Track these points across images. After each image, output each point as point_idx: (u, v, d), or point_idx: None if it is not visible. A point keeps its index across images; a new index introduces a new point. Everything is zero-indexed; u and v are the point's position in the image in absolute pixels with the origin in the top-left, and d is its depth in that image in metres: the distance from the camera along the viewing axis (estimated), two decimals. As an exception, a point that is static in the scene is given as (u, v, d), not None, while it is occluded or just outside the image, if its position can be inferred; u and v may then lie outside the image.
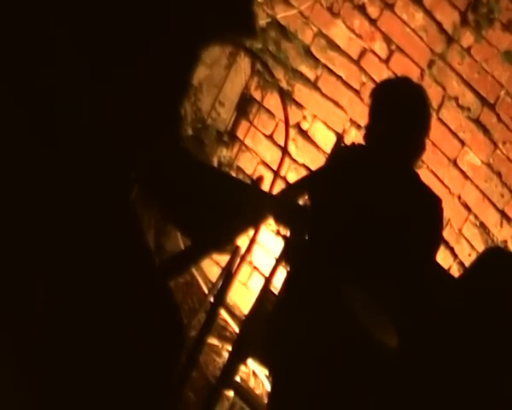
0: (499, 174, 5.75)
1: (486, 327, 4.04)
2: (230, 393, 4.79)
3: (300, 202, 4.54)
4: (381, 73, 5.53)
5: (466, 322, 4.11)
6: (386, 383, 4.05)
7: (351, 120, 5.63)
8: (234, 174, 5.60)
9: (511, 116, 5.84)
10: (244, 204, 3.79)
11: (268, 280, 4.65)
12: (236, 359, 4.55)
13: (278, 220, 4.00)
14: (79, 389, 3.05)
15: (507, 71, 5.84)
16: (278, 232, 4.58)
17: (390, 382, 4.05)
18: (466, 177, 5.85)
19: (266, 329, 4.48)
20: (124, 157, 3.32)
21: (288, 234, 4.47)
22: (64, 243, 3.07)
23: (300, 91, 5.87)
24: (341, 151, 4.86)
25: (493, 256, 4.46)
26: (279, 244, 4.64)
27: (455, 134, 5.88)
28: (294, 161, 5.44)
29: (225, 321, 5.10)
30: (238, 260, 4.65)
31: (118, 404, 3.09)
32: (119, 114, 3.15)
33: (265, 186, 4.04)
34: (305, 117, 5.82)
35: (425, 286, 4.42)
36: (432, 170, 5.61)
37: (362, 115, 4.85)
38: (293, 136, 5.54)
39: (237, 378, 4.82)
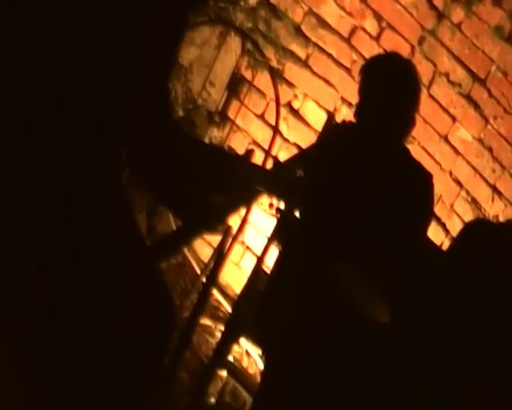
0: (490, 149, 5.79)
1: (476, 294, 4.12)
2: (223, 373, 4.85)
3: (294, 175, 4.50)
4: (372, 51, 5.53)
5: (455, 293, 4.18)
6: (377, 358, 4.11)
7: (342, 98, 5.65)
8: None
9: (502, 91, 5.88)
10: (235, 180, 3.76)
11: (260, 260, 4.68)
12: (229, 339, 4.56)
13: (271, 192, 3.97)
14: (71, 370, 3.09)
15: (497, 46, 5.87)
16: (271, 205, 4.54)
17: (381, 356, 4.11)
18: (457, 152, 5.88)
19: (259, 308, 4.50)
20: (114, 139, 3.35)
21: (282, 209, 4.49)
22: (56, 225, 3.10)
23: (291, 70, 5.88)
24: (333, 129, 4.88)
25: (479, 227, 4.55)
26: (271, 224, 4.65)
27: (446, 110, 5.91)
28: (286, 140, 5.46)
29: (218, 301, 5.12)
30: (230, 240, 4.68)
31: (111, 386, 3.09)
32: (110, 95, 3.16)
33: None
34: (296, 96, 5.83)
35: (417, 261, 4.46)
36: (423, 146, 5.65)
37: (353, 93, 4.84)
38: (285, 115, 5.58)
39: (230, 358, 4.89)
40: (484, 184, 5.71)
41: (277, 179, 3.95)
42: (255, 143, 5.58)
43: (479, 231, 4.46)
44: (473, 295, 4.14)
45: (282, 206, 4.43)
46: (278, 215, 4.54)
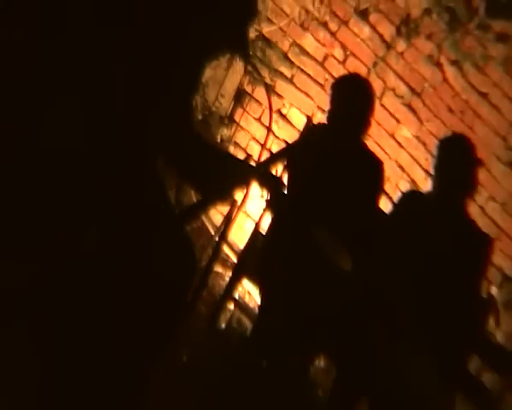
0: (424, 144, 5.76)
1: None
2: (231, 306, 4.85)
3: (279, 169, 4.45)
4: (339, 72, 5.47)
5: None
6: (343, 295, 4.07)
7: (317, 106, 5.58)
8: (232, 148, 5.57)
9: (432, 102, 5.85)
10: (239, 166, 3.76)
11: (258, 224, 4.62)
12: (235, 281, 4.53)
13: (261, 184, 3.93)
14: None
15: (429, 69, 5.87)
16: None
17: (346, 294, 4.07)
18: (401, 146, 5.84)
19: (257, 259, 4.43)
20: (153, 137, 3.27)
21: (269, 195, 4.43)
22: (111, 198, 3.03)
23: (280, 86, 5.80)
24: (311, 129, 4.80)
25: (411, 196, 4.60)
26: (265, 198, 4.58)
27: (392, 115, 5.85)
28: (276, 137, 5.37)
29: (227, 255, 5.04)
30: (236, 209, 4.62)
31: (151, 315, 3.01)
32: (150, 103, 3.07)
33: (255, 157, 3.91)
34: (284, 104, 5.76)
35: (371, 223, 4.41)
36: (376, 141, 5.57)
37: (325, 103, 4.75)
38: (276, 119, 5.49)
39: (236, 296, 4.86)
40: (420, 169, 5.67)
41: (264, 176, 3.90)
42: (254, 139, 5.50)
43: (411, 198, 4.57)
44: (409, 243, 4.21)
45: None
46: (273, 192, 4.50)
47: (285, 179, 4.48)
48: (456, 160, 4.38)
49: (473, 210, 5.33)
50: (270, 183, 3.94)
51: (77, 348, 2.96)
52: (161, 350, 3.27)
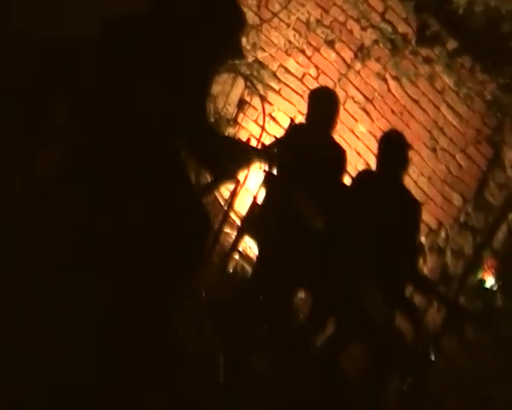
0: (375, 136, 5.71)
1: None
2: (236, 256, 4.86)
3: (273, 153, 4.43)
4: (314, 85, 5.44)
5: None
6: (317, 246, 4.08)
7: (298, 111, 5.56)
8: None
9: (380, 106, 5.86)
10: (241, 155, 3.66)
11: (255, 197, 4.61)
12: (239, 238, 4.55)
13: (260, 161, 3.91)
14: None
15: (377, 83, 5.86)
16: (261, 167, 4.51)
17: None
18: (358, 138, 5.83)
19: (255, 222, 4.46)
20: (178, 132, 3.28)
21: (266, 169, 4.44)
22: (146, 180, 3.05)
23: (271, 96, 5.78)
24: (293, 127, 4.81)
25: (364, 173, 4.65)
26: (261, 177, 4.57)
27: (352, 116, 5.84)
28: (268, 133, 5.30)
29: (233, 220, 5.03)
30: (239, 187, 4.63)
31: (180, 261, 3.12)
32: (178, 111, 3.10)
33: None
34: (273, 110, 5.73)
35: (338, 191, 4.49)
36: (340, 135, 5.54)
37: (304, 108, 4.76)
38: (268, 120, 5.47)
39: (240, 249, 4.89)
40: (372, 155, 5.60)
41: (263, 155, 3.89)
42: (252, 135, 5.34)
43: (364, 174, 4.60)
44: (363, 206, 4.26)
45: (266, 168, 4.39)
46: (265, 173, 4.49)
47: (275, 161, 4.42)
48: (393, 148, 4.39)
49: (408, 183, 5.47)
50: (267, 160, 3.97)
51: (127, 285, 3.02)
52: (186, 287, 3.32)
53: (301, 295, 4.73)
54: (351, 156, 5.31)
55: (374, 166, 4.87)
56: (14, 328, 2.69)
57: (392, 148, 4.40)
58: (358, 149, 5.81)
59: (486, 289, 5.10)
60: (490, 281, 5.13)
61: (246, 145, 3.66)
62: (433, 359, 4.00)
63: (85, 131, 3.12)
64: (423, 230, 5.72)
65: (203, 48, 3.25)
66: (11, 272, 2.84)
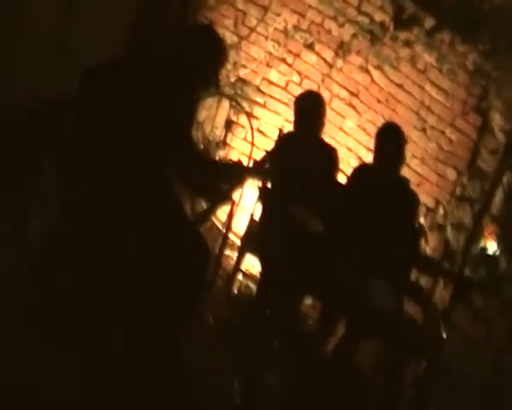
0: (364, 129, 5.76)
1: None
2: (240, 276, 4.87)
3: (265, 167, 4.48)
4: (298, 91, 5.34)
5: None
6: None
7: (286, 119, 5.55)
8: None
9: (366, 98, 5.87)
10: (233, 176, 3.70)
11: (252, 215, 4.65)
12: (241, 258, 4.55)
13: (253, 177, 3.97)
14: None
15: (361, 76, 5.87)
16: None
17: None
18: (347, 134, 5.84)
19: (254, 239, 4.49)
20: (169, 167, 3.37)
21: (260, 184, 4.50)
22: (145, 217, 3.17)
23: (257, 111, 5.82)
24: (282, 136, 4.78)
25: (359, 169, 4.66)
26: (255, 195, 4.62)
27: (339, 114, 5.85)
28: (258, 148, 5.29)
29: (232, 241, 5.02)
30: (235, 207, 4.69)
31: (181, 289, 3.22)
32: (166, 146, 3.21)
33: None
34: (261, 124, 5.77)
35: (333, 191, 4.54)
36: (330, 135, 5.51)
37: (291, 116, 4.77)
38: (256, 135, 5.48)
39: (243, 268, 4.88)
40: (363, 148, 5.69)
41: (255, 170, 3.95)
42: (242, 153, 5.46)
43: (359, 170, 4.59)
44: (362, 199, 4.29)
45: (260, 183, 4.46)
46: (259, 188, 4.54)
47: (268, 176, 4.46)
48: (388, 142, 4.38)
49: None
50: (260, 175, 4.02)
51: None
52: (193, 316, 3.40)
53: (308, 300, 4.73)
54: (342, 153, 5.31)
55: (366, 159, 4.91)
56: None
57: (388, 141, 4.39)
58: (349, 144, 5.81)
59: (489, 255, 5.10)
60: (492, 247, 5.14)
61: (237, 165, 3.65)
62: (444, 336, 4.03)
63: (75, 181, 3.21)
64: (421, 211, 5.60)
65: (184, 82, 3.32)
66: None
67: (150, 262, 3.19)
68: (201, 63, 3.36)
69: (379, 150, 4.40)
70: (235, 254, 4.70)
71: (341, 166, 4.92)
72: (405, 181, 4.51)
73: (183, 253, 3.19)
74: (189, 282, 3.23)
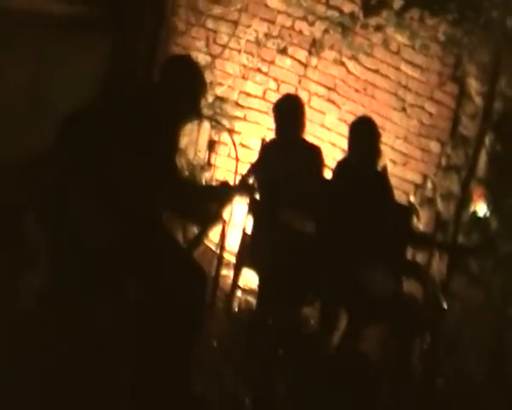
0: (345, 121, 5.68)
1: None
2: (239, 293, 4.85)
3: (250, 181, 4.41)
4: (276, 97, 5.21)
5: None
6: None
7: (267, 128, 5.52)
8: (214, 183, 5.51)
9: (344, 90, 5.89)
10: (220, 196, 3.77)
11: (244, 230, 4.67)
12: (237, 275, 4.57)
13: (241, 193, 3.98)
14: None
15: (336, 70, 5.90)
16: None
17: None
18: (329, 130, 5.85)
19: (249, 252, 4.53)
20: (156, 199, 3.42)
21: (248, 198, 4.52)
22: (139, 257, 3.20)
23: (238, 126, 5.85)
24: (265, 145, 4.86)
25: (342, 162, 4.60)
26: (245, 208, 4.68)
27: (319, 111, 5.88)
28: (243, 162, 5.09)
29: (228, 260, 5.02)
30: (226, 226, 4.67)
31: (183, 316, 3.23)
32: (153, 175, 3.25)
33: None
34: (243, 138, 5.79)
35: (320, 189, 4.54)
36: (312, 133, 5.54)
37: (272, 124, 4.80)
38: (240, 150, 5.26)
39: (241, 285, 4.87)
40: (344, 140, 5.59)
41: (242, 185, 3.96)
42: (228, 171, 5.48)
43: (343, 163, 4.53)
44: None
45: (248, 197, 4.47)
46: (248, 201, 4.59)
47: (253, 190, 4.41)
48: (362, 134, 4.43)
49: (385, 150, 5.52)
50: (247, 189, 4.00)
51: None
52: (196, 343, 3.42)
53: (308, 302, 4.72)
54: (327, 150, 5.33)
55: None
56: None
57: (360, 134, 4.44)
58: (332, 139, 5.81)
59: (480, 218, 5.14)
60: (482, 209, 5.17)
61: (223, 184, 3.70)
62: (445, 307, 4.07)
63: (63, 235, 3.24)
64: (410, 189, 5.76)
65: (166, 115, 3.37)
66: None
67: (149, 301, 3.21)
68: (182, 95, 3.38)
69: (353, 144, 4.46)
70: (231, 273, 4.70)
71: (327, 162, 4.92)
72: (382, 172, 4.58)
73: (180, 283, 3.21)
74: (188, 311, 3.24)
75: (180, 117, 3.52)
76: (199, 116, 3.71)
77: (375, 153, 4.41)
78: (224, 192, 3.73)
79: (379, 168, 4.62)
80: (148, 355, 3.22)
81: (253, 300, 4.85)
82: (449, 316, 4.16)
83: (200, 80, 3.50)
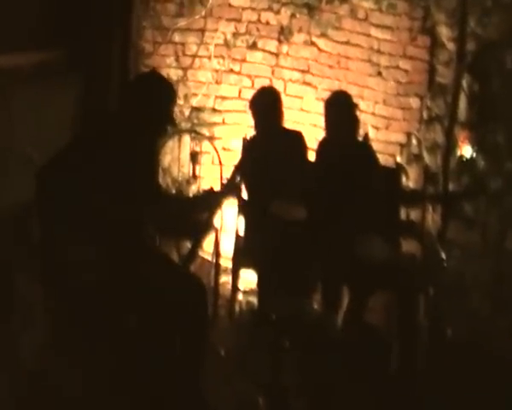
0: (323, 100, 5.21)
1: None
2: (240, 296, 4.85)
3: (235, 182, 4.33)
4: (251, 93, 5.14)
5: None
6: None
7: (247, 126, 5.29)
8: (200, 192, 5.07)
9: (318, 69, 5.84)
10: (209, 204, 3.77)
11: (237, 231, 4.65)
12: (236, 278, 4.57)
13: (228, 196, 3.98)
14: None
15: (308, 51, 5.87)
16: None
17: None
18: (309, 112, 5.79)
19: (244, 252, 4.53)
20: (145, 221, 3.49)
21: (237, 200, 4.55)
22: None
23: (218, 131, 5.82)
24: (245, 143, 4.81)
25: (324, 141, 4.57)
26: (235, 211, 4.68)
27: (296, 96, 5.83)
28: (227, 166, 5.16)
29: (225, 266, 4.96)
30: (219, 233, 4.70)
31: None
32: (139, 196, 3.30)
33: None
34: (225, 142, 5.76)
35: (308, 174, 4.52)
36: (292, 120, 5.46)
37: (250, 120, 4.81)
38: (223, 154, 5.42)
39: (241, 287, 4.85)
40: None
41: (228, 188, 3.96)
42: (214, 178, 5.37)
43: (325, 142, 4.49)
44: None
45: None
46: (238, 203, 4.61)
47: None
48: (337, 109, 4.41)
49: (366, 117, 5.55)
50: (233, 191, 4.04)
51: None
52: (203, 350, 3.41)
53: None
54: (309, 132, 5.30)
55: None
56: None
57: (335, 109, 4.41)
58: (313, 121, 5.71)
59: (467, 160, 5.10)
60: (468, 151, 5.14)
61: (210, 192, 3.67)
62: (444, 257, 4.04)
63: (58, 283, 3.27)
64: (395, 150, 5.70)
65: (140, 134, 3.35)
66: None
67: (150, 326, 3.25)
68: (152, 108, 3.35)
69: (330, 121, 4.43)
70: (230, 279, 4.66)
71: (310, 144, 4.87)
72: (364, 141, 4.61)
73: (179, 302, 3.24)
74: (191, 327, 3.29)
75: (155, 131, 3.50)
76: (173, 125, 3.65)
77: (353, 124, 4.37)
78: (211, 199, 3.72)
79: (360, 138, 4.61)
80: (157, 378, 3.21)
81: (254, 300, 4.80)
82: (450, 264, 4.11)
83: (166, 88, 3.46)
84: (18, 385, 3.15)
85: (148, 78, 3.60)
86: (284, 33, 5.85)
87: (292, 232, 4.09)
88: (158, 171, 3.73)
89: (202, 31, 5.94)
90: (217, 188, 3.77)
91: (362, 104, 5.51)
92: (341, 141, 4.35)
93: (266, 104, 4.73)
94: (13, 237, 3.80)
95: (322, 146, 4.52)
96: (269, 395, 3.51)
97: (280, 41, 5.87)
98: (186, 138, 5.59)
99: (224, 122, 5.89)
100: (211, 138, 5.57)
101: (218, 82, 5.92)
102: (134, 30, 5.62)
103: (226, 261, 4.93)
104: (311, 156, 4.74)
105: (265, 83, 5.74)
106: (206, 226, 4.14)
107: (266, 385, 3.56)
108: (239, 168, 4.69)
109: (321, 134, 5.23)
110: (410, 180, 5.52)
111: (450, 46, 5.49)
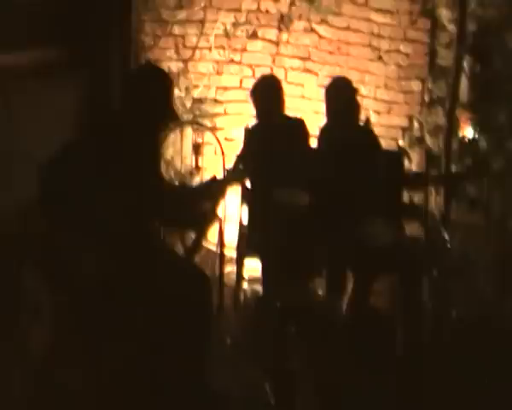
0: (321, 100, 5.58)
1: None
2: (245, 284, 4.84)
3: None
4: (251, 82, 5.15)
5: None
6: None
7: (249, 116, 5.19)
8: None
9: (319, 56, 5.85)
10: (213, 192, 3.77)
11: (241, 221, 4.67)
12: (240, 266, 4.59)
13: (231, 184, 4.00)
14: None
15: (308, 38, 5.88)
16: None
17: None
18: (310, 99, 5.78)
19: (248, 241, 4.53)
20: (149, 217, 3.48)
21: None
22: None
23: (220, 121, 5.82)
24: (247, 132, 4.84)
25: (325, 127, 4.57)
26: (238, 200, 4.70)
27: (298, 84, 5.83)
28: (229, 157, 5.10)
29: (230, 256, 4.96)
30: (223, 223, 4.69)
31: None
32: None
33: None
34: (227, 132, 5.76)
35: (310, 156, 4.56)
36: (293, 107, 5.40)
37: (252, 109, 4.81)
38: (225, 144, 5.40)
39: (246, 276, 4.85)
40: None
41: (230, 177, 3.97)
42: (217, 168, 5.20)
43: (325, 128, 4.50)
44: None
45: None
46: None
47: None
48: (338, 95, 4.44)
49: (368, 102, 5.55)
50: (236, 180, 4.05)
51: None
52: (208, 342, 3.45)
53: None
54: (311, 120, 5.28)
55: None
56: None
57: (335, 95, 4.45)
58: (315, 108, 5.68)
59: (469, 141, 5.10)
60: (470, 132, 5.14)
61: (211, 180, 3.71)
62: (447, 238, 4.06)
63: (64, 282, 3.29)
64: (398, 134, 5.72)
65: (142, 127, 3.34)
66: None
67: (157, 318, 3.21)
68: (152, 102, 3.34)
69: (331, 107, 4.46)
70: (235, 268, 4.68)
71: (312, 131, 4.89)
72: (365, 126, 4.59)
73: (183, 294, 3.24)
74: (196, 319, 3.30)
75: (156, 124, 3.49)
76: (175, 117, 3.66)
77: (354, 109, 4.39)
78: (214, 188, 3.74)
79: (361, 123, 4.60)
80: (163, 369, 3.22)
81: (259, 288, 4.76)
82: (453, 245, 4.13)
83: (165, 80, 3.45)
84: (27, 384, 3.14)
85: (141, 72, 3.67)
86: (284, 21, 5.84)
87: (295, 219, 4.09)
88: (160, 163, 3.72)
89: (202, 22, 5.92)
90: (219, 176, 3.78)
91: (363, 89, 5.51)
92: (343, 127, 4.37)
93: (267, 93, 4.72)
94: (16, 235, 3.80)
95: (324, 132, 4.53)
96: (275, 380, 3.52)
97: (280, 29, 5.86)
98: (188, 131, 5.58)
99: (225, 112, 5.89)
100: (213, 129, 5.56)
101: (218, 73, 5.92)
102: (134, 24, 5.62)
103: (230, 251, 4.94)
104: (314, 143, 4.76)
105: (266, 72, 5.71)
106: (210, 216, 4.11)
107: (273, 371, 3.58)
108: (241, 157, 4.70)
109: (323, 121, 5.23)
110: (413, 163, 5.52)
111: (451, 28, 5.48)
